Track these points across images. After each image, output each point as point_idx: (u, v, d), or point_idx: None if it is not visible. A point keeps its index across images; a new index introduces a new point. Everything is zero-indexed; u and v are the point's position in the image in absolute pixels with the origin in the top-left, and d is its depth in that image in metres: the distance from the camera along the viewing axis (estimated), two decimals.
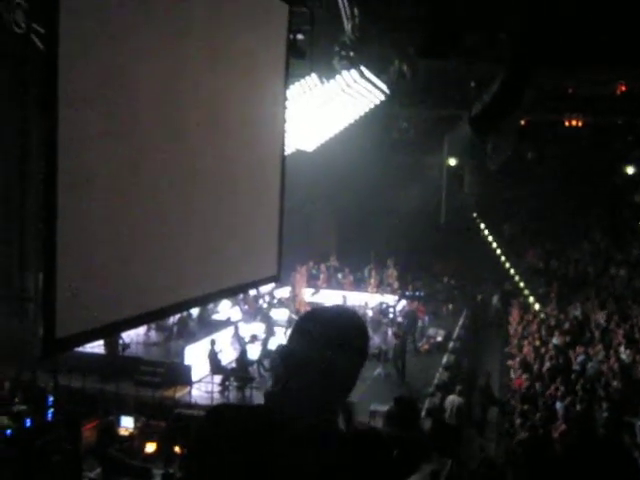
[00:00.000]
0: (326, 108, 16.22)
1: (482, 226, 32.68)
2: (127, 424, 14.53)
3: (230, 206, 6.42)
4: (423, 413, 14.57)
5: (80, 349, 15.94)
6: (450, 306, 26.97)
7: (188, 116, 5.60)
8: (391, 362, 18.85)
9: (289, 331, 2.16)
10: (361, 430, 2.18)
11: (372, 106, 17.32)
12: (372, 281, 28.40)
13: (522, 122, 28.86)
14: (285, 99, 8.44)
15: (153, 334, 19.89)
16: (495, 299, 27.94)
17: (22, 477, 10.64)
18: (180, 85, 5.41)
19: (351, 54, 12.95)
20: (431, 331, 22.95)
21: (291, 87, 13.48)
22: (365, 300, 25.46)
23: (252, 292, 23.77)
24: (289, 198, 8.23)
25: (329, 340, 2.03)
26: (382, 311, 24.85)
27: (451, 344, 22.01)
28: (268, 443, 1.93)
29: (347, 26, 12.32)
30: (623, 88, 27.17)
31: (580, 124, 28.79)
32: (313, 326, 2.09)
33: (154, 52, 5.06)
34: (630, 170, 31.62)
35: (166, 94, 5.25)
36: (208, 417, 2.10)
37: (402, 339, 19.41)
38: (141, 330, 19.26)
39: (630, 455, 2.16)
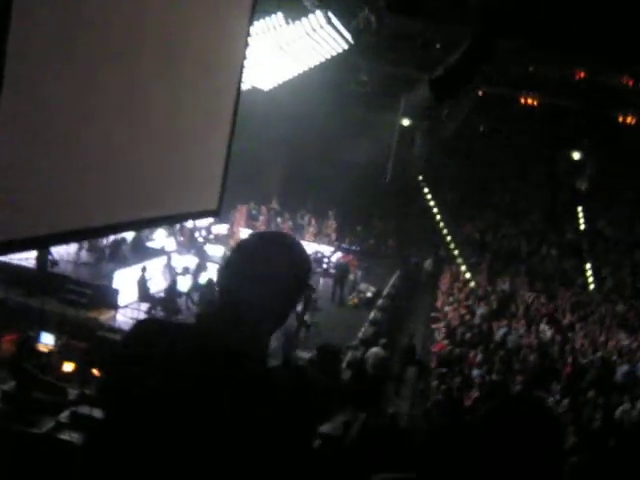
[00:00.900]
0: (287, 49, 16.03)
1: (425, 190, 32.92)
2: (47, 341, 14.33)
3: (178, 132, 6.28)
4: (344, 365, 14.79)
5: (6, 260, 15.66)
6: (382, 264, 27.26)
7: (144, 37, 5.42)
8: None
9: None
10: (295, 366, 2.17)
11: (334, 54, 17.18)
12: (311, 229, 28.48)
13: (479, 93, 29.02)
14: (248, 34, 8.26)
15: (84, 254, 19.57)
16: (428, 263, 28.35)
17: None
18: (137, 8, 5.22)
19: (317, 3, 12.74)
20: (362, 286, 23.19)
21: (255, 23, 13.22)
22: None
23: (189, 225, 23.58)
24: (239, 135, 8.10)
25: (258, 269, 1.99)
26: (316, 260, 24.98)
27: (380, 301, 22.28)
28: (194, 362, 1.90)
29: None
30: (582, 74, 27.52)
31: (535, 103, 29.13)
32: (244, 253, 2.06)
33: None
34: (576, 155, 32.16)
35: (120, 16, 5.05)
36: (133, 329, 2.04)
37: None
38: (72, 249, 18.93)
39: (550, 411, 2.21)
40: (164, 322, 2.35)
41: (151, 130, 5.97)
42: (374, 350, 15.71)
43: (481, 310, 22.18)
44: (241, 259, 2.05)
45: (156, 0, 5.58)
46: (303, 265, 2.10)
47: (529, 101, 29.24)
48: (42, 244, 8.78)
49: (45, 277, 17.05)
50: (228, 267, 2.07)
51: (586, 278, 29.48)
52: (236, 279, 2.02)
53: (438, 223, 31.91)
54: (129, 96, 5.46)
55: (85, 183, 5.15)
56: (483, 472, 1.97)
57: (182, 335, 1.99)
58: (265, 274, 1.99)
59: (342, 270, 23.15)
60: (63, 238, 5.58)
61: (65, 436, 9.55)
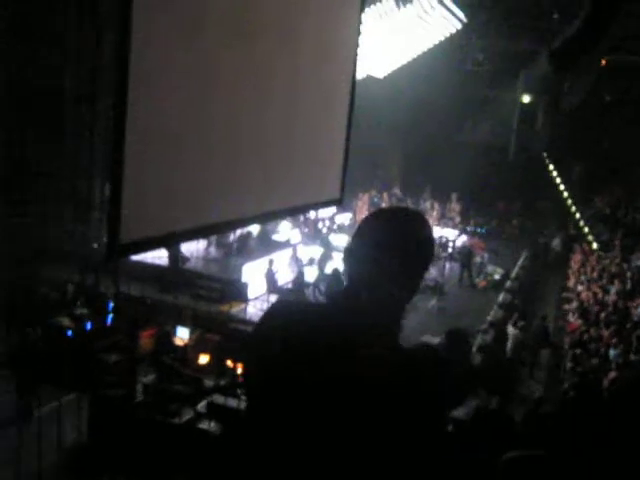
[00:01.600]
0: (400, 34, 15.91)
1: (550, 167, 31.92)
2: (183, 335, 14.88)
3: (298, 125, 6.37)
4: (474, 349, 14.59)
5: (141, 259, 16.38)
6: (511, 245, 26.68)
7: (263, 36, 5.51)
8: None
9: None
10: (428, 348, 2.16)
11: (448, 34, 16.92)
12: (434, 214, 28.20)
13: (602, 62, 27.82)
14: (360, 22, 8.26)
15: (213, 250, 20.19)
16: (556, 242, 27.49)
17: (81, 376, 11.07)
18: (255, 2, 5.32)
19: None
20: (489, 268, 22.77)
21: (367, 10, 13.19)
22: None
23: (313, 216, 23.83)
24: (356, 124, 8.12)
25: (386, 242, 1.98)
26: (441, 245, 24.70)
27: (508, 283, 21.82)
28: (329, 347, 1.92)
29: None
30: None
31: None
32: (371, 227, 2.05)
33: None
34: None
35: (238, 13, 5.16)
36: (268, 312, 2.07)
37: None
38: (201, 245, 19.57)
39: None
40: (294, 304, 2.37)
41: (274, 124, 6.09)
42: (513, 332, 15.46)
43: (615, 288, 21.32)
44: (360, 243, 2.04)
45: None
46: (423, 236, 2.05)
47: None
48: (176, 240, 9.14)
49: (178, 274, 17.70)
50: (348, 253, 2.07)
51: None
52: (356, 264, 2.02)
53: (565, 200, 30.88)
54: (253, 89, 5.58)
55: (215, 180, 5.32)
56: (610, 448, 1.90)
57: (313, 318, 2.01)
58: (382, 255, 1.96)
59: (466, 253, 22.83)
60: (195, 234, 5.79)
61: (204, 425, 9.92)
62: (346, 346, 1.88)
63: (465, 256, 22.58)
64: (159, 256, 17.21)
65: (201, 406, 10.34)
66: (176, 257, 17.96)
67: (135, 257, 14.83)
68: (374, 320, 1.94)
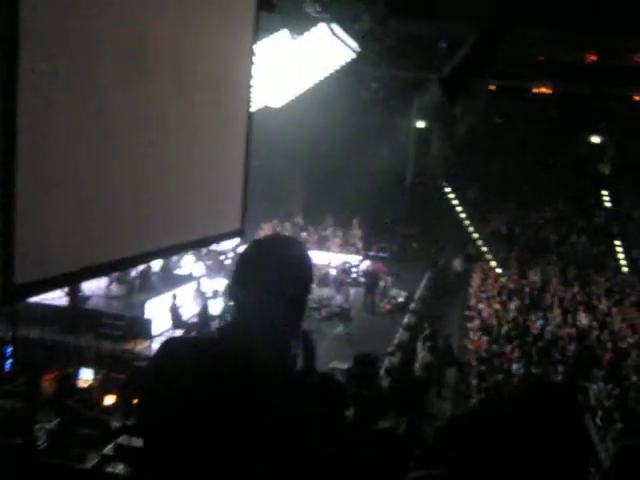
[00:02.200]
0: (295, 64, 16.10)
1: (447, 190, 32.80)
2: (86, 376, 14.46)
3: (194, 158, 6.35)
4: (382, 371, 14.75)
5: (39, 300, 15.83)
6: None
7: (154, 65, 5.49)
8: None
9: None
10: (323, 374, 2.18)
11: (342, 64, 17.23)
12: (336, 240, 28.47)
13: (491, 87, 28.93)
14: (253, 53, 8.32)
15: (114, 287, 19.74)
16: (457, 262, 28.21)
17: None
18: (145, 33, 5.30)
19: (319, 9, 12.79)
20: (393, 292, 23.13)
21: (261, 42, 13.29)
22: (329, 259, 25.54)
23: (216, 248, 23.68)
24: (256, 155, 8.15)
25: (256, 277, 2.04)
26: (345, 270, 24.97)
27: (412, 305, 22.21)
28: (222, 376, 1.92)
29: None
30: (593, 57, 27.33)
31: (549, 91, 28.98)
32: (249, 261, 2.10)
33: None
34: (595, 139, 31.93)
35: (129, 40, 5.13)
36: (157, 353, 2.07)
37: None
38: (102, 283, 19.10)
39: (573, 395, 2.19)
40: (185, 339, 2.39)
41: (171, 158, 6.06)
42: (421, 353, 15.78)
43: (515, 304, 22.02)
44: (242, 270, 2.09)
45: (164, 24, 5.66)
46: (301, 262, 2.13)
47: (542, 90, 29.11)
48: (76, 280, 8.90)
49: (79, 313, 17.23)
50: (233, 280, 2.11)
51: (618, 261, 29.18)
52: (240, 290, 2.06)
53: (463, 221, 31.76)
54: (148, 126, 5.54)
55: (114, 217, 5.24)
56: (507, 461, 1.96)
57: (205, 351, 2.02)
58: (262, 279, 2.02)
59: (371, 278, 23.14)
60: (95, 272, 5.66)
61: (110, 469, 9.63)
62: (242, 375, 1.90)
63: (370, 280, 22.88)
64: (58, 296, 16.71)
65: (108, 449, 10.04)
66: (76, 296, 17.49)
67: (33, 298, 14.35)
68: (265, 345, 1.97)
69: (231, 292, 2.10)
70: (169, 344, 2.11)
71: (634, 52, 26.23)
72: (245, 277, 2.07)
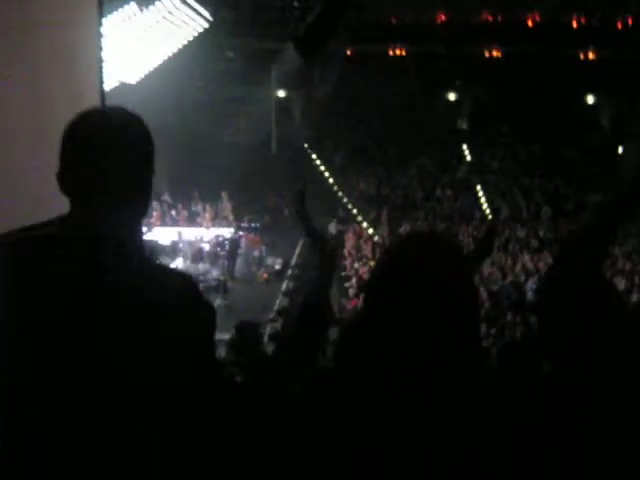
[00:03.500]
0: (147, 37, 15.70)
1: (313, 156, 33.01)
2: None
3: (45, 139, 6.08)
4: (266, 338, 14.80)
5: None
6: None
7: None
8: None
9: None
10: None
11: (195, 34, 16.94)
12: (207, 215, 28.17)
13: (348, 52, 29.28)
14: (99, 25, 8.02)
15: None
16: (332, 226, 28.52)
17: None
18: None
19: None
20: (269, 260, 23.23)
21: (109, 16, 12.89)
22: (201, 234, 25.27)
23: None
24: None
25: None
26: (218, 244, 24.82)
27: (289, 272, 22.38)
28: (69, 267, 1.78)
29: None
30: (443, 17, 28.13)
31: (403, 53, 29.63)
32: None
33: None
34: (451, 97, 32.98)
35: None
36: None
37: None
38: None
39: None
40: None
41: (18, 139, 5.75)
42: None
43: None
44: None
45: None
46: (131, 130, 1.97)
47: (397, 52, 29.72)
48: None
49: None
50: (62, 166, 1.96)
51: (483, 211, 30.33)
52: (70, 176, 1.93)
53: (332, 186, 32.10)
54: None
55: None
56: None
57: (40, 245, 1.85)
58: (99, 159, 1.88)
59: (232, 245, 23.39)
60: None
61: None
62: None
63: (232, 246, 23.05)
64: None
65: None
66: None
67: None
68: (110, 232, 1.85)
69: (61, 180, 1.94)
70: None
71: (481, 9, 27.17)
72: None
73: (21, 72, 5.82)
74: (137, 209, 1.94)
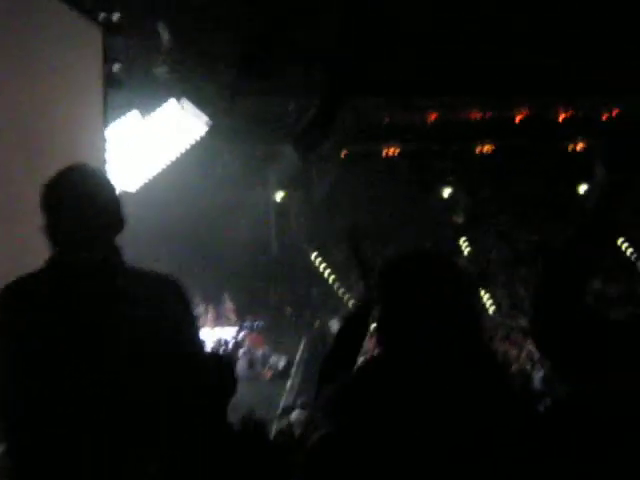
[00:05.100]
0: (147, 144, 16.07)
1: (313, 255, 33.20)
2: None
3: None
4: (273, 435, 14.63)
5: None
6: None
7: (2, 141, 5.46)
8: None
9: None
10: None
11: (196, 139, 17.35)
12: (209, 316, 28.14)
13: (343, 154, 29.93)
14: (103, 134, 8.37)
15: None
16: (333, 323, 28.37)
17: None
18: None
19: (168, 71, 12.96)
20: (272, 359, 23.11)
21: (113, 125, 13.29)
22: (204, 338, 25.11)
23: None
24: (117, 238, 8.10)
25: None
26: (220, 345, 24.80)
27: (294, 369, 22.25)
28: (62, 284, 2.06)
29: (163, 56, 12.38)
30: (434, 116, 28.82)
31: (397, 152, 30.26)
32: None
33: None
34: (446, 193, 33.61)
35: None
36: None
37: None
38: None
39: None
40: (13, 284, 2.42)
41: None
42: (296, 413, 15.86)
43: None
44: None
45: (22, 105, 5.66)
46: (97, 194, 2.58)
47: (391, 151, 30.34)
48: None
49: None
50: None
51: (484, 304, 30.25)
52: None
53: (333, 283, 32.15)
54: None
55: None
56: None
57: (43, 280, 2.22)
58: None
59: (235, 346, 23.45)
60: None
61: None
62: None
63: (234, 347, 23.16)
64: None
65: None
66: None
67: None
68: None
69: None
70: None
71: (470, 109, 27.85)
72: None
73: (28, 165, 6.09)
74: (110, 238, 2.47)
